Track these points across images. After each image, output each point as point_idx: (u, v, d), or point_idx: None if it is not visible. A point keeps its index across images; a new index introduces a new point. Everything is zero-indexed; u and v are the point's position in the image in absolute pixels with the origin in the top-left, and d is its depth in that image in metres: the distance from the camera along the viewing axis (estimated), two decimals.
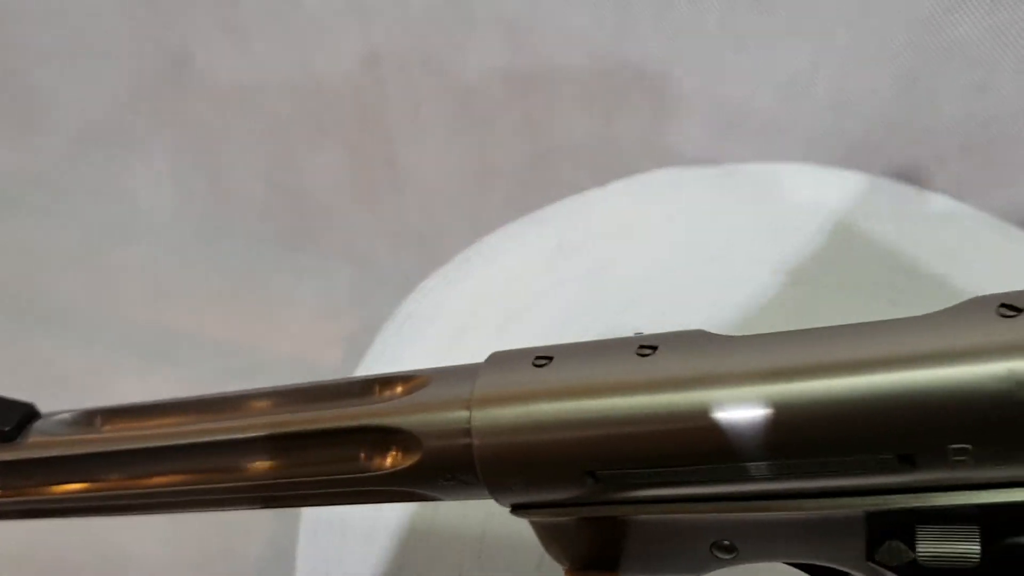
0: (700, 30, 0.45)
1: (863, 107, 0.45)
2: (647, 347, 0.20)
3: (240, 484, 0.23)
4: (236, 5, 0.55)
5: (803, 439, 0.18)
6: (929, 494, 0.18)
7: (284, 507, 0.23)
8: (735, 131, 0.48)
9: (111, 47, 0.61)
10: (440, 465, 0.21)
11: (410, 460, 0.21)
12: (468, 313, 0.41)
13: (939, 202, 0.44)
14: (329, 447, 0.22)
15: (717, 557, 0.21)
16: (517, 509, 0.22)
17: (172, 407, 0.25)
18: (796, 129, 0.47)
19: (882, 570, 0.19)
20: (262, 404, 0.23)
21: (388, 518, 0.35)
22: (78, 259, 0.71)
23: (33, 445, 0.26)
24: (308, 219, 0.65)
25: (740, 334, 0.20)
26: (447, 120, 0.56)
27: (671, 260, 0.43)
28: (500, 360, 0.22)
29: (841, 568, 0.20)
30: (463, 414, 0.21)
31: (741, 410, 0.18)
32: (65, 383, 0.62)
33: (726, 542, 0.21)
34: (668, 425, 0.19)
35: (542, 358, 0.21)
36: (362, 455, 0.22)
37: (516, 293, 0.42)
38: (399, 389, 0.22)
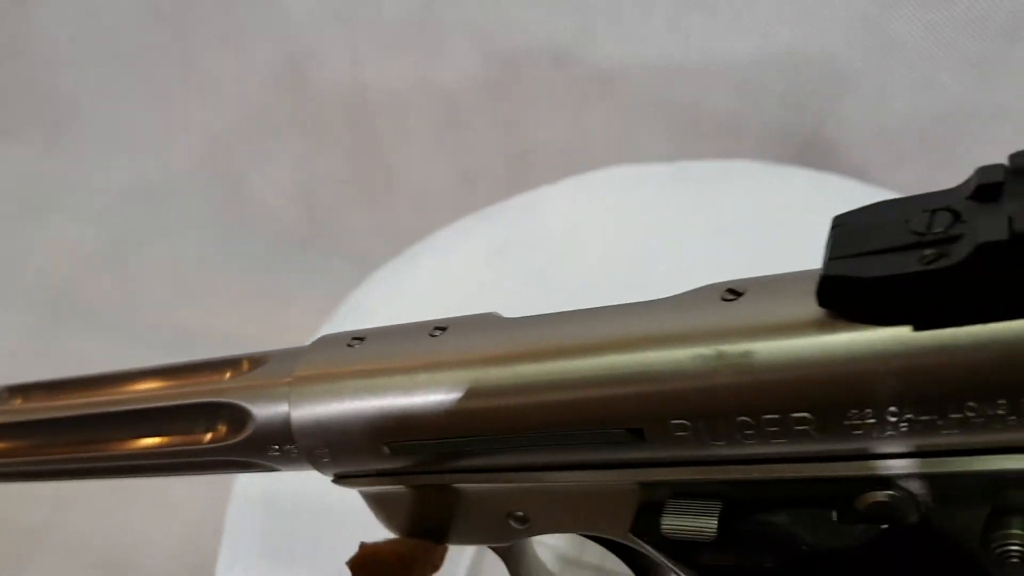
0: (650, 31, 0.46)
1: (813, 104, 0.45)
2: (439, 328, 0.22)
3: (98, 455, 0.25)
4: (236, 15, 0.58)
5: (544, 414, 0.19)
6: (678, 468, 0.19)
7: (139, 476, 0.25)
8: (694, 129, 0.48)
9: (129, 51, 0.65)
10: (268, 438, 0.23)
11: (245, 433, 0.23)
12: (411, 305, 0.43)
13: (884, 197, 0.44)
14: (177, 421, 0.24)
15: (513, 527, 0.23)
16: (338, 479, 0.24)
17: (65, 384, 0.28)
18: (751, 127, 0.47)
19: (640, 542, 0.20)
20: (130, 382, 0.26)
21: (311, 496, 0.37)
22: (100, 259, 0.75)
23: None
24: (312, 221, 0.67)
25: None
26: (432, 125, 0.58)
27: (617, 256, 0.44)
28: (324, 341, 0.24)
29: (616, 540, 0.21)
30: (284, 390, 0.23)
31: (494, 387, 0.20)
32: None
33: (519, 512, 0.22)
34: (442, 400, 0.20)
35: (356, 339, 0.23)
36: (205, 429, 0.24)
37: (459, 287, 0.43)
38: (245, 367, 0.24)
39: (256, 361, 0.25)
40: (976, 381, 0.15)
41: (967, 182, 0.17)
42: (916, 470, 0.17)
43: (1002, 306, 0.15)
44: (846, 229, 0.18)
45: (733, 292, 0.19)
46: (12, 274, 0.74)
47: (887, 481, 0.18)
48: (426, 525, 0.24)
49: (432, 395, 0.20)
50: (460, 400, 0.20)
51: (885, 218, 0.17)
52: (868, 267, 0.16)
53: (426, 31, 0.52)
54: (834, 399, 0.17)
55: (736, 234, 0.43)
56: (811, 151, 0.47)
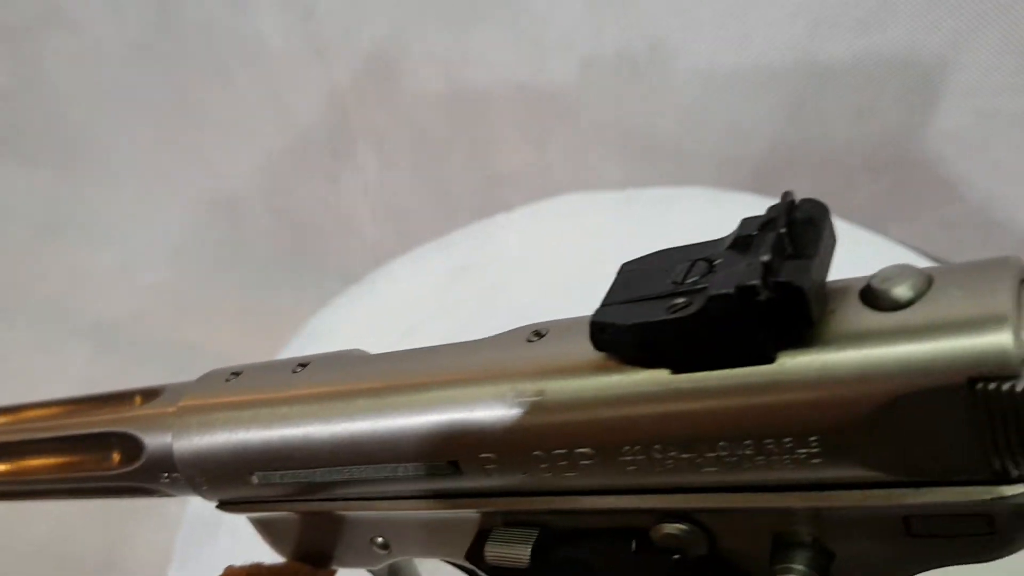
0: (602, 60, 0.47)
1: (759, 132, 0.46)
2: (301, 365, 0.23)
3: (7, 479, 0.27)
4: (218, 50, 0.61)
5: (377, 446, 0.21)
6: (505, 498, 0.21)
7: (48, 499, 0.27)
8: (647, 156, 0.49)
9: (130, 84, 0.68)
10: (157, 466, 0.25)
11: (138, 461, 0.25)
12: (366, 330, 0.45)
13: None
14: (79, 449, 0.26)
15: (377, 552, 0.24)
16: (222, 505, 0.25)
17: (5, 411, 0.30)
18: (702, 154, 0.48)
19: (474, 568, 0.21)
20: (35, 412, 0.28)
21: None
22: (113, 279, 0.78)
23: None
24: (302, 242, 0.70)
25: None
26: (408, 152, 0.60)
27: (566, 279, 0.45)
28: (208, 376, 0.25)
29: (461, 565, 0.22)
30: (170, 421, 0.25)
31: (335, 420, 0.21)
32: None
33: (379, 539, 0.24)
34: (294, 432, 0.22)
35: (234, 374, 0.25)
36: (104, 457, 0.26)
37: (412, 312, 0.45)
38: (138, 400, 0.26)
39: (152, 393, 0.26)
40: (721, 423, 0.17)
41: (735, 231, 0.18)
42: (698, 505, 0.18)
43: (734, 353, 0.16)
44: (626, 276, 0.19)
45: (537, 334, 0.20)
46: (25, 293, 0.78)
47: (679, 514, 0.19)
48: (309, 549, 0.25)
49: (287, 428, 0.22)
50: (309, 432, 0.22)
51: (658, 266, 0.18)
52: (626, 314, 0.17)
53: (397, 63, 0.54)
54: (607, 436, 0.18)
55: None
56: (762, 177, 0.48)
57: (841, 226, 0.43)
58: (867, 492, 0.16)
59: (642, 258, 0.19)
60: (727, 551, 0.19)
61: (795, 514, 0.17)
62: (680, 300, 0.17)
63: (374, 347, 0.43)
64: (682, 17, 0.43)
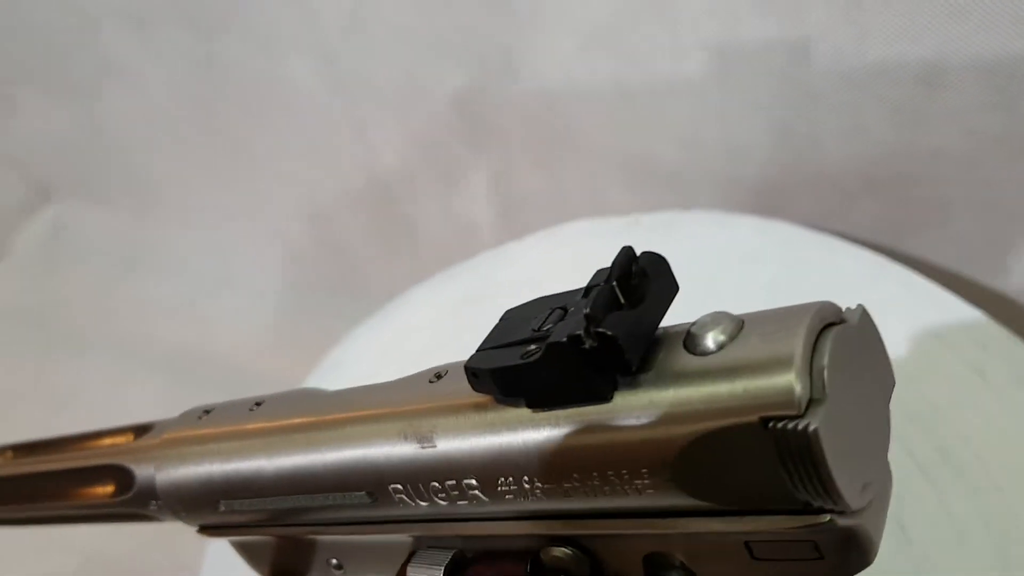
0: (596, 88, 0.49)
1: (754, 155, 0.47)
2: (257, 404, 0.26)
3: (25, 507, 0.31)
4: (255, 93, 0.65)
5: (311, 478, 0.23)
6: (418, 524, 0.23)
7: (61, 524, 0.31)
8: (651, 181, 0.51)
9: (188, 139, 0.73)
10: (146, 494, 0.28)
11: (131, 491, 0.28)
12: (381, 359, 0.47)
13: (826, 243, 0.45)
14: (84, 481, 0.30)
15: (333, 572, 0.26)
16: (202, 530, 0.28)
17: (29, 447, 0.34)
18: (703, 178, 0.49)
19: None
20: (51, 447, 0.31)
21: None
22: (181, 311, 0.84)
23: None
24: (348, 271, 0.73)
25: None
26: (434, 181, 0.63)
27: None
28: (187, 413, 0.28)
29: None
30: (155, 454, 0.28)
31: (275, 454, 0.24)
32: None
33: (334, 560, 0.26)
34: (247, 464, 0.25)
35: (205, 412, 0.28)
36: (104, 486, 0.29)
37: (425, 340, 0.47)
38: (131, 436, 0.29)
39: (144, 429, 0.30)
40: (570, 456, 0.18)
41: None
42: (571, 531, 0.20)
43: (577, 393, 0.18)
44: (505, 322, 0.21)
45: (438, 376, 0.22)
46: (102, 326, 0.84)
47: (566, 538, 0.21)
48: (282, 570, 0.28)
49: (240, 461, 0.25)
50: (258, 465, 0.24)
51: (530, 313, 0.20)
52: (491, 359, 0.19)
53: (417, 97, 0.57)
54: (485, 469, 0.20)
55: (685, 284, 0.45)
56: (764, 198, 0.48)
57: (839, 245, 0.43)
58: (702, 520, 0.18)
59: (522, 305, 0.21)
60: (609, 572, 0.20)
61: (660, 538, 0.19)
62: (532, 347, 0.18)
63: (391, 375, 0.46)
64: (671, 47, 0.45)
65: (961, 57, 0.39)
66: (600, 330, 0.17)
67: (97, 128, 0.76)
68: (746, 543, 0.18)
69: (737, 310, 0.44)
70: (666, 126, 0.49)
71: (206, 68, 0.64)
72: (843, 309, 0.18)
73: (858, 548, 0.17)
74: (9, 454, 0.35)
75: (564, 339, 0.17)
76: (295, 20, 0.57)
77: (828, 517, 0.16)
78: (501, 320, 0.21)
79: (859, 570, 0.18)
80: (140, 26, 0.64)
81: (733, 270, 0.45)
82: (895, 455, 0.38)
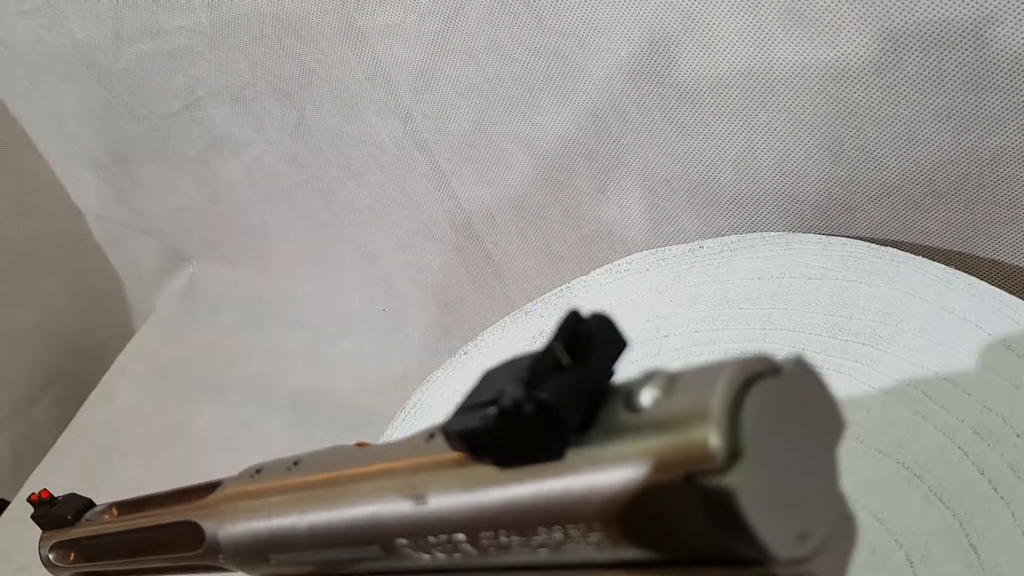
0: (649, 124, 0.50)
1: (810, 174, 0.46)
2: (295, 463, 0.29)
3: (127, 560, 0.35)
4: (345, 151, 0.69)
5: (341, 530, 0.25)
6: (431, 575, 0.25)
7: None
8: (713, 207, 0.51)
9: (293, 199, 0.78)
10: (214, 549, 0.31)
11: (203, 546, 0.32)
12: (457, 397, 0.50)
13: (889, 255, 0.44)
14: (166, 536, 0.33)
15: None
16: None
17: (131, 504, 0.38)
18: (763, 200, 0.49)
19: None
20: (139, 505, 0.35)
21: None
22: (302, 356, 0.89)
23: (79, 528, 0.40)
24: (449, 308, 0.77)
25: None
26: (513, 219, 0.65)
27: (635, 337, 0.48)
28: (244, 472, 0.31)
29: None
30: (217, 511, 0.31)
31: (306, 509, 0.26)
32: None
33: None
34: (283, 521, 0.27)
35: (257, 470, 0.30)
36: (183, 541, 0.33)
37: None
38: (204, 493, 0.33)
39: (213, 487, 0.33)
40: (533, 511, 0.20)
41: None
42: None
43: (534, 451, 0.19)
44: (481, 381, 0.22)
45: (431, 435, 0.24)
46: (233, 373, 0.90)
47: None
48: None
49: (278, 518, 0.27)
50: (293, 522, 0.27)
51: (500, 373, 0.22)
52: (462, 420, 0.21)
53: (485, 148, 0.60)
54: (467, 524, 0.21)
55: (740, 305, 0.46)
56: (827, 217, 0.48)
57: (903, 257, 0.43)
58: (656, 571, 0.19)
59: (499, 364, 0.23)
60: None
61: None
62: (491, 409, 0.20)
63: None
64: (711, 75, 0.45)
65: (1000, 57, 0.38)
66: (537, 394, 0.18)
67: (215, 195, 0.82)
68: None
69: (799, 329, 0.43)
70: (720, 152, 0.49)
71: (299, 133, 0.69)
72: (778, 359, 0.18)
73: None
74: (114, 511, 0.39)
75: (509, 404, 0.19)
76: (370, 84, 0.61)
77: (765, 569, 0.17)
78: (480, 379, 0.22)
79: None
80: (237, 101, 0.69)
81: (796, 289, 0.45)
82: (966, 473, 0.37)
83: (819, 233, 0.47)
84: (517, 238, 0.66)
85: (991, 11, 0.37)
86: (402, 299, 0.82)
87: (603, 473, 0.18)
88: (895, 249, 0.44)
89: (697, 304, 0.47)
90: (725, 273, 0.47)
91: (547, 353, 0.19)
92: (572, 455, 0.19)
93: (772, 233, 0.48)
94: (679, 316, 0.47)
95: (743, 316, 0.45)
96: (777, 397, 0.17)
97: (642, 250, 0.53)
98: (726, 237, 0.49)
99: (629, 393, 0.19)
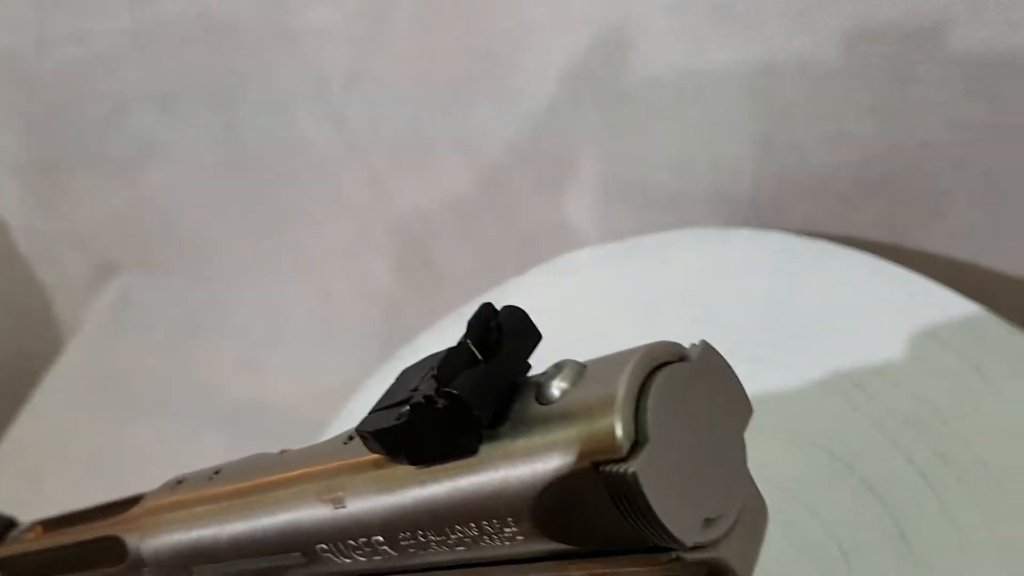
0: (584, 124, 0.50)
1: (742, 170, 0.47)
2: (216, 472, 0.28)
3: None
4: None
5: (255, 540, 0.25)
6: None
7: None
8: (649, 205, 0.51)
9: (228, 204, 0.77)
10: (137, 562, 0.30)
11: (127, 560, 0.30)
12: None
13: (820, 248, 0.44)
14: (89, 552, 0.32)
15: None
16: None
17: (56, 521, 0.36)
18: (697, 196, 0.49)
19: None
20: (63, 523, 0.34)
21: None
22: (240, 367, 0.87)
23: (3, 547, 0.39)
24: (382, 314, 0.76)
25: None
26: (450, 221, 0.64)
27: (572, 336, 0.47)
28: (165, 484, 0.30)
29: None
30: (138, 524, 0.30)
31: (223, 519, 0.25)
32: None
33: None
34: (202, 532, 0.26)
35: (179, 481, 0.29)
36: (108, 556, 0.31)
37: None
38: (126, 506, 0.31)
39: (136, 500, 0.31)
40: (448, 508, 0.19)
41: None
42: None
43: (450, 448, 0.19)
44: (398, 380, 0.22)
45: (350, 437, 0.23)
46: (168, 388, 0.88)
47: None
48: None
49: (198, 529, 0.26)
50: (214, 532, 0.26)
51: (416, 372, 0.21)
52: (376, 421, 0.20)
53: (420, 150, 0.59)
54: (385, 525, 0.21)
55: (675, 302, 0.46)
56: (759, 212, 0.48)
57: (835, 250, 0.43)
58: (574, 563, 0.18)
59: (417, 362, 0.22)
60: None
61: None
62: (404, 408, 0.19)
63: None
64: (644, 74, 0.45)
65: (926, 50, 0.39)
66: (447, 389, 0.18)
67: (145, 202, 0.80)
68: None
69: (734, 323, 0.43)
70: (655, 151, 0.49)
71: (230, 138, 0.68)
72: (685, 347, 0.18)
73: None
74: (39, 529, 0.37)
75: (421, 400, 0.18)
76: (302, 86, 0.60)
77: (674, 554, 0.17)
78: (397, 379, 0.22)
79: None
80: (166, 106, 0.67)
81: (730, 284, 0.45)
82: (896, 463, 0.37)
83: (753, 228, 0.48)
84: (456, 241, 0.65)
85: (913, 5, 0.37)
86: (341, 306, 0.80)
87: (514, 467, 0.18)
88: (827, 242, 0.44)
89: (633, 301, 0.47)
90: (660, 270, 0.47)
91: (459, 349, 0.19)
92: (485, 450, 0.19)
93: (706, 229, 0.48)
94: (616, 314, 0.47)
95: (678, 312, 0.45)
96: (683, 384, 0.17)
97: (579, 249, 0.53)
98: (661, 234, 0.49)
99: (540, 386, 0.18)
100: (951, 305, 0.40)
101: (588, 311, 0.48)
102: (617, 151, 0.50)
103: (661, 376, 0.17)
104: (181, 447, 0.83)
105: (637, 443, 0.16)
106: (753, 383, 0.39)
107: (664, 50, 0.44)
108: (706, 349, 0.18)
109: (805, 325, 0.42)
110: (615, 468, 0.16)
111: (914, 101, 0.41)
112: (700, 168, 0.48)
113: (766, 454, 0.37)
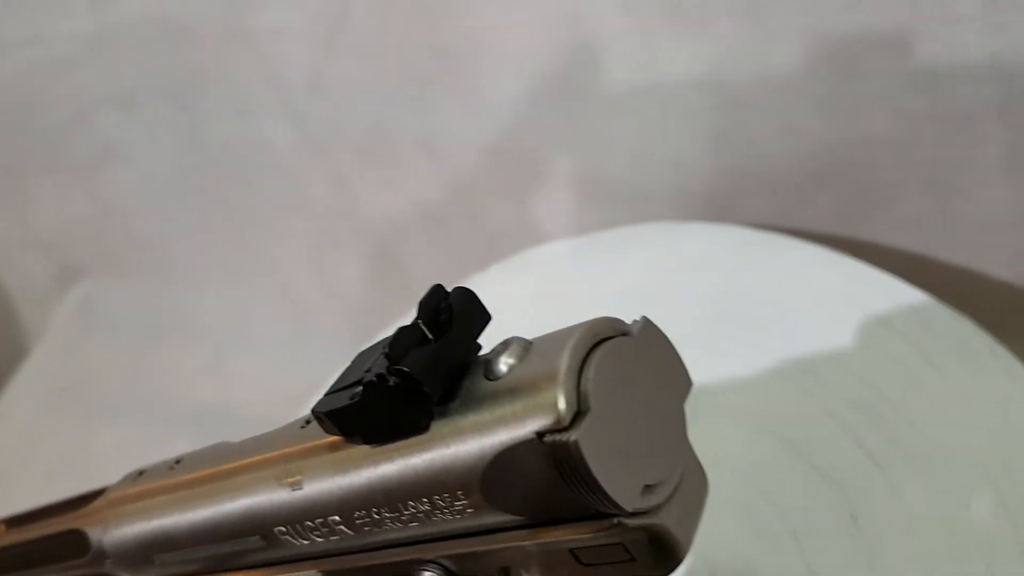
0: (544, 121, 0.50)
1: (697, 164, 0.48)
2: (177, 461, 0.28)
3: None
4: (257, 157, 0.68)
5: (216, 526, 0.25)
6: (311, 561, 0.24)
7: None
8: (609, 200, 0.52)
9: (190, 207, 0.77)
10: (101, 555, 0.30)
11: (89, 553, 0.30)
12: None
13: (774, 241, 0.45)
14: (53, 547, 0.32)
15: None
16: None
17: (20, 519, 0.36)
18: (657, 191, 0.50)
19: None
20: (26, 519, 0.34)
21: None
22: (206, 371, 0.87)
23: None
24: (348, 317, 0.76)
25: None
26: (417, 221, 0.65)
27: (522, 332, 0.48)
28: (127, 476, 0.30)
29: None
30: (100, 516, 0.30)
31: (183, 507, 0.26)
32: None
33: None
34: (163, 522, 0.27)
35: (140, 472, 0.29)
36: (71, 550, 0.31)
37: None
38: (88, 500, 0.32)
39: (98, 493, 0.32)
40: (401, 485, 0.20)
41: None
42: (429, 555, 0.21)
43: (402, 426, 0.19)
44: (353, 363, 0.22)
45: (307, 421, 0.24)
46: (133, 393, 0.87)
47: (427, 562, 0.22)
48: None
49: (160, 518, 0.27)
50: (175, 520, 0.26)
51: (370, 353, 0.22)
52: (330, 402, 0.21)
53: (384, 149, 0.59)
54: (341, 505, 0.21)
55: (632, 296, 0.47)
56: (716, 206, 0.49)
57: (788, 242, 0.44)
58: (519, 533, 0.19)
59: (371, 345, 0.22)
60: None
61: (501, 554, 0.20)
62: (358, 388, 0.20)
63: None
64: (603, 76, 0.46)
65: (868, 43, 0.40)
66: (399, 367, 0.18)
67: (107, 206, 0.80)
68: (571, 551, 0.19)
69: (687, 315, 0.44)
70: (614, 147, 0.50)
71: (193, 139, 0.68)
72: (627, 322, 0.19)
73: (662, 547, 0.18)
74: (2, 527, 0.37)
75: (374, 378, 0.19)
76: (263, 86, 0.60)
77: (616, 520, 0.17)
78: (353, 361, 0.22)
79: (673, 567, 0.19)
80: (127, 107, 0.67)
81: (686, 277, 0.46)
82: (845, 447, 0.38)
83: (710, 222, 0.48)
84: (422, 240, 0.66)
85: (856, 1, 0.39)
86: (307, 308, 0.80)
87: (463, 441, 0.18)
88: (780, 235, 0.45)
89: (591, 295, 0.48)
90: (618, 264, 0.48)
91: (410, 328, 0.19)
92: (436, 427, 0.19)
93: (662, 223, 0.49)
94: (574, 308, 0.47)
95: (635, 306, 0.45)
96: (623, 357, 0.18)
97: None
98: (619, 229, 0.50)
99: (488, 363, 0.19)
100: (900, 294, 0.41)
101: (547, 306, 0.49)
102: (578, 148, 0.51)
103: (602, 350, 0.18)
104: (147, 452, 0.82)
105: (579, 413, 0.17)
106: (709, 373, 0.40)
107: (619, 49, 0.45)
108: (646, 324, 0.19)
109: (759, 316, 0.42)
110: (558, 437, 0.17)
111: (860, 95, 0.42)
112: (658, 164, 0.49)
113: (721, 441, 0.38)
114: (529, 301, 0.49)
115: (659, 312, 0.45)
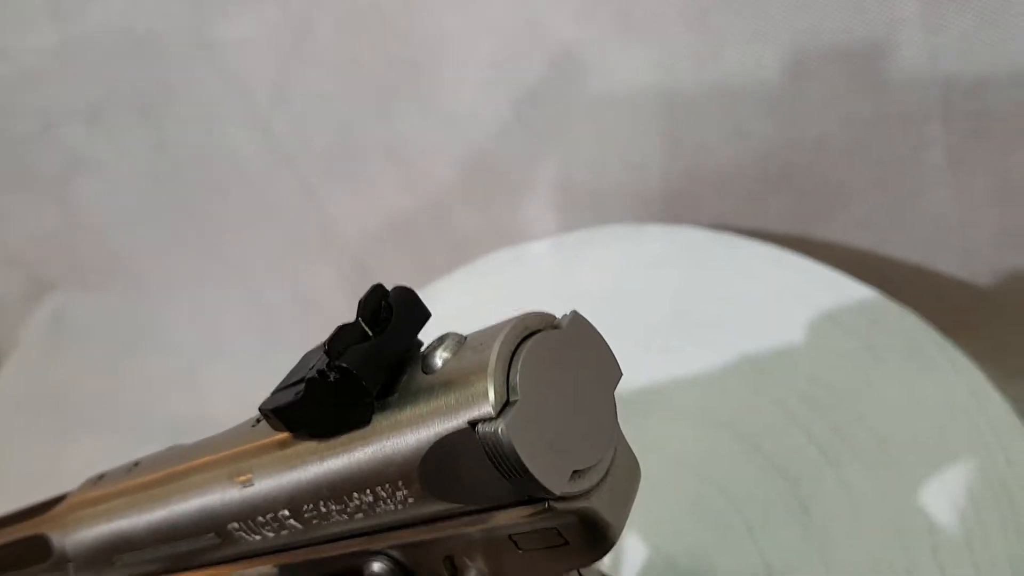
0: (504, 128, 0.51)
1: (651, 167, 0.49)
2: (135, 464, 0.29)
3: None
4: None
5: (171, 526, 0.25)
6: (265, 556, 0.25)
7: None
8: (570, 204, 0.53)
9: (159, 217, 0.77)
10: (62, 558, 0.31)
11: (52, 557, 0.31)
12: None
13: (727, 242, 0.46)
14: (18, 552, 0.32)
15: None
16: None
17: None
18: (614, 194, 0.51)
19: None
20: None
21: None
22: (179, 382, 0.87)
23: None
24: (320, 325, 0.76)
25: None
26: (387, 229, 0.65)
27: None
28: (87, 481, 0.31)
29: None
30: (61, 521, 0.30)
31: (140, 508, 0.26)
32: None
33: None
34: (122, 523, 0.27)
35: (100, 476, 0.30)
36: (35, 555, 0.32)
37: None
38: (50, 505, 0.32)
39: (60, 499, 0.32)
40: (348, 477, 0.21)
41: None
42: (377, 546, 0.22)
43: (346, 420, 0.20)
44: (300, 362, 0.23)
45: (258, 420, 0.24)
46: (107, 404, 0.87)
47: (375, 552, 0.23)
48: None
49: (119, 519, 0.27)
50: (132, 522, 0.27)
51: (314, 353, 0.22)
52: (277, 399, 0.21)
53: (350, 158, 0.60)
54: (290, 499, 0.22)
55: (590, 298, 0.47)
56: (671, 208, 0.50)
57: (741, 243, 0.45)
58: (458, 520, 0.20)
59: (317, 345, 0.23)
60: None
61: (444, 542, 0.21)
62: (301, 385, 0.21)
63: None
64: (559, 80, 0.47)
65: (815, 48, 0.41)
66: (338, 363, 0.19)
67: (76, 219, 0.80)
68: (510, 537, 0.20)
69: (644, 314, 0.45)
70: (573, 152, 0.51)
71: (160, 151, 0.68)
72: (557, 316, 0.20)
73: (594, 530, 0.19)
74: None
75: (315, 375, 0.20)
76: (228, 97, 0.61)
77: (546, 504, 0.18)
78: (299, 361, 0.23)
79: (605, 550, 0.19)
80: (93, 120, 0.68)
81: (640, 277, 0.47)
82: (796, 440, 0.39)
83: (666, 223, 0.50)
84: (390, 247, 0.66)
85: (801, 4, 0.40)
86: (279, 318, 0.81)
87: (402, 433, 0.19)
88: (734, 236, 0.46)
89: (553, 299, 0.48)
90: (576, 267, 0.49)
91: (350, 327, 0.20)
92: (377, 420, 0.20)
93: (620, 225, 0.50)
94: (535, 309, 0.48)
95: (594, 308, 0.46)
96: (553, 349, 0.19)
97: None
98: (577, 232, 0.51)
99: (425, 357, 0.20)
100: (848, 291, 0.42)
101: (507, 308, 0.49)
102: (539, 155, 0.52)
103: (531, 343, 0.19)
104: (117, 462, 0.82)
105: (508, 403, 0.18)
106: (664, 370, 0.41)
107: (574, 56, 0.46)
108: (575, 318, 0.20)
109: (712, 315, 0.44)
110: (488, 427, 0.17)
111: (807, 97, 0.43)
112: (616, 168, 0.50)
113: (677, 436, 0.39)
114: (490, 304, 0.50)
115: (617, 312, 0.47)
